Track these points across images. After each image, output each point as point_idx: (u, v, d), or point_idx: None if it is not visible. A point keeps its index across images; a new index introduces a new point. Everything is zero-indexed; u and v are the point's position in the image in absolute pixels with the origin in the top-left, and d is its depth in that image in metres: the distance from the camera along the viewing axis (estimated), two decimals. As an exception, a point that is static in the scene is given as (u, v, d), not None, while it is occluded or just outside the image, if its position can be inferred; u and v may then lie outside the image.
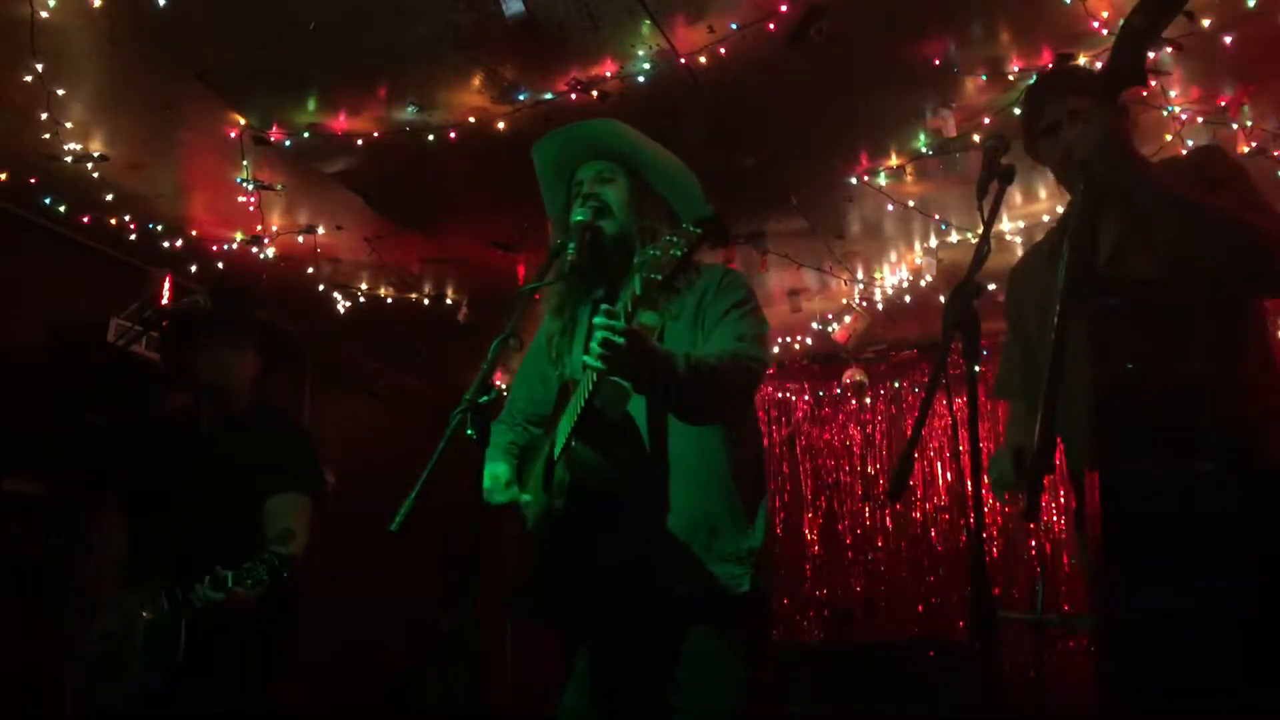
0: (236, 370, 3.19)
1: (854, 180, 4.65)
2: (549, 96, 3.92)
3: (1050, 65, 3.72)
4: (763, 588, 2.10)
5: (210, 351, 3.15)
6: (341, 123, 4.14)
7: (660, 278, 1.78)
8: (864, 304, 5.99)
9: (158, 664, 2.86)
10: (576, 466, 1.95)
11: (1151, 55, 1.97)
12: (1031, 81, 2.42)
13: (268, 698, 3.04)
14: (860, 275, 5.79)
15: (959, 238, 5.17)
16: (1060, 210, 2.48)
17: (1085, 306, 1.95)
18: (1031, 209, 4.87)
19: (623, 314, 1.86)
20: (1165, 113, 4.01)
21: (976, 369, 1.74)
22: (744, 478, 2.16)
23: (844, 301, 6.04)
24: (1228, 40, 3.58)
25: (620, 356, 1.87)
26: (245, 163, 4.37)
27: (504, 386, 2.71)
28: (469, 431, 1.87)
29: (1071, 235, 1.95)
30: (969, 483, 1.63)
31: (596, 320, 1.87)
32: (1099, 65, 3.67)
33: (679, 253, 1.78)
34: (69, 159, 4.24)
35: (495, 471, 2.19)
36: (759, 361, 2.15)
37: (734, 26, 3.56)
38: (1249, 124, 4.03)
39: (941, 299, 5.63)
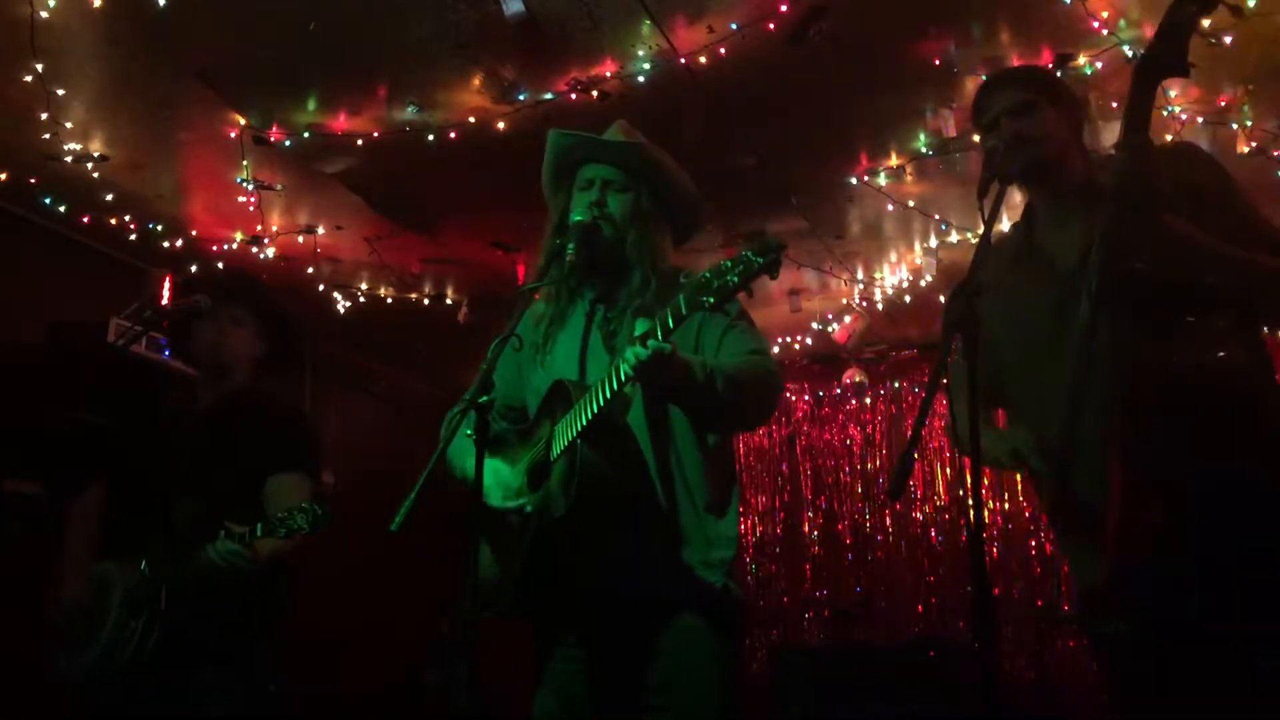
0: (237, 347, 3.15)
1: (854, 180, 4.65)
2: (549, 96, 3.92)
3: (1050, 65, 3.72)
4: (736, 595, 2.14)
5: (213, 326, 3.11)
6: (341, 123, 4.14)
7: (713, 301, 1.75)
8: (864, 304, 5.99)
9: (128, 635, 2.76)
10: (583, 469, 1.95)
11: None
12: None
13: (255, 694, 2.95)
14: (860, 275, 5.79)
15: (959, 238, 5.17)
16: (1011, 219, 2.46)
17: (1120, 305, 1.92)
18: (1031, 209, 4.86)
19: (660, 329, 1.85)
20: (1165, 113, 4.01)
21: (976, 369, 1.73)
22: (719, 489, 2.19)
23: (844, 301, 6.04)
24: (1228, 40, 3.58)
25: (659, 374, 1.89)
26: (245, 163, 4.37)
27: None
28: (468, 431, 1.87)
29: (1103, 233, 1.93)
30: (969, 482, 1.63)
31: (632, 351, 1.86)
32: (1099, 65, 3.68)
33: (735, 280, 1.73)
34: (69, 159, 4.24)
35: (496, 468, 2.19)
36: (778, 376, 2.20)
37: (734, 26, 3.56)
38: (1249, 124, 4.03)
39: (941, 299, 5.63)
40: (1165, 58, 1.89)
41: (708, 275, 1.76)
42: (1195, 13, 1.88)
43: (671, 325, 1.84)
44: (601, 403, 1.93)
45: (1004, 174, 2.02)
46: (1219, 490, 1.82)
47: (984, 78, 3.77)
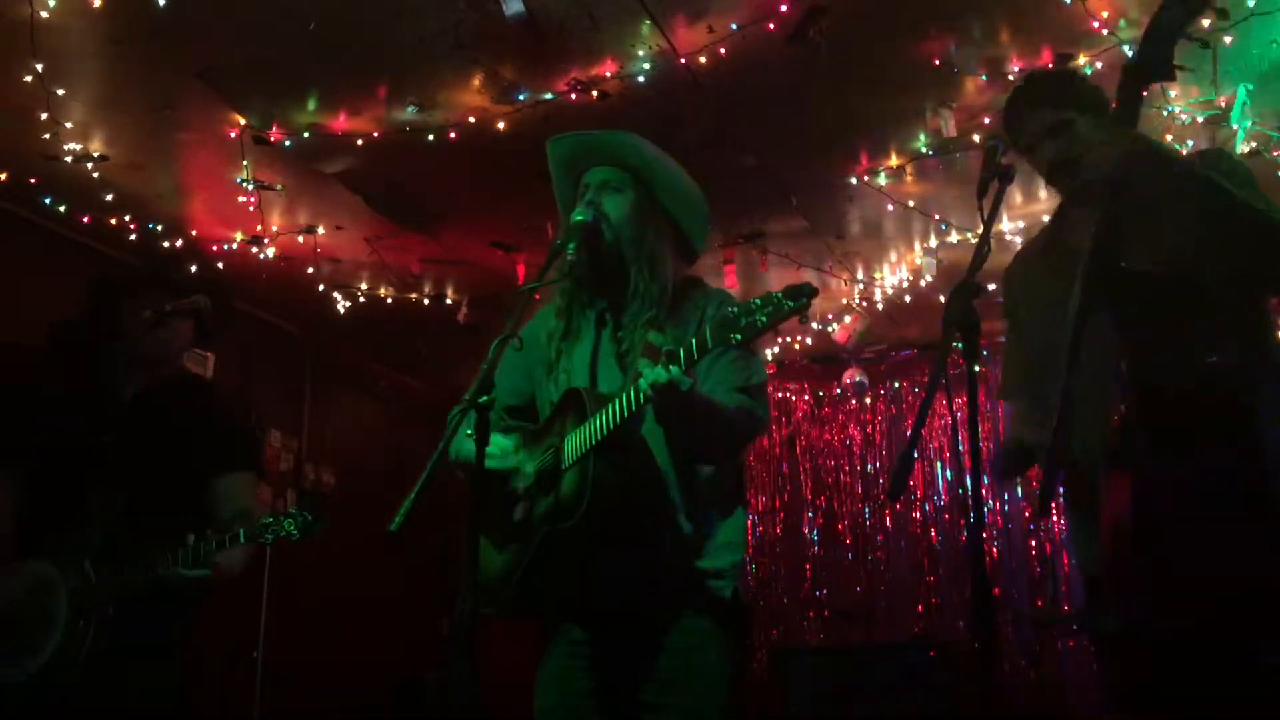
0: (175, 340, 2.96)
1: (854, 180, 4.65)
2: (549, 96, 3.92)
3: (1050, 65, 3.72)
4: (742, 598, 2.16)
5: (148, 319, 2.88)
6: (341, 123, 4.14)
7: (739, 339, 1.77)
8: (864, 304, 5.99)
9: (79, 643, 2.62)
10: (595, 483, 1.96)
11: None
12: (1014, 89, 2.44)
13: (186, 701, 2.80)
14: (860, 275, 5.79)
15: (959, 238, 5.17)
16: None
17: (1110, 303, 1.94)
18: (1031, 209, 4.87)
19: (684, 358, 1.86)
20: (1165, 113, 4.01)
21: (976, 369, 1.74)
22: (729, 496, 2.21)
23: (844, 301, 6.04)
24: (1228, 40, 3.58)
25: (673, 400, 1.90)
26: (245, 163, 4.37)
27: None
28: (468, 431, 1.87)
29: (1094, 232, 1.94)
30: (969, 483, 1.63)
31: (653, 373, 1.87)
32: (1099, 65, 3.68)
33: (763, 320, 1.75)
34: (69, 159, 4.24)
35: (502, 443, 2.18)
36: (765, 423, 2.22)
37: (734, 27, 3.56)
38: (1249, 124, 4.03)
39: (941, 299, 5.63)
40: (1150, 62, 1.90)
41: (735, 311, 1.78)
42: (1180, 17, 1.88)
43: (696, 357, 1.85)
44: (619, 420, 1.94)
45: (1004, 174, 2.03)
46: (1200, 491, 1.83)
47: (983, 77, 3.83)
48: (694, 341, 1.85)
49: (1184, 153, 3.84)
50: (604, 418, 1.97)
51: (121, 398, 2.92)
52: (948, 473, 6.99)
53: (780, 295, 1.74)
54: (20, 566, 2.76)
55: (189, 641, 2.87)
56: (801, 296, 1.73)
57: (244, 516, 2.78)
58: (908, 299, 5.89)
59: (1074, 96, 2.27)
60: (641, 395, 1.89)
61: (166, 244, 5.00)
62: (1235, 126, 4.01)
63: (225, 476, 2.87)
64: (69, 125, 4.07)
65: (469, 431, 1.87)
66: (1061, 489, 2.17)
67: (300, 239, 5.10)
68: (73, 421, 2.88)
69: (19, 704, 2.66)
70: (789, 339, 6.77)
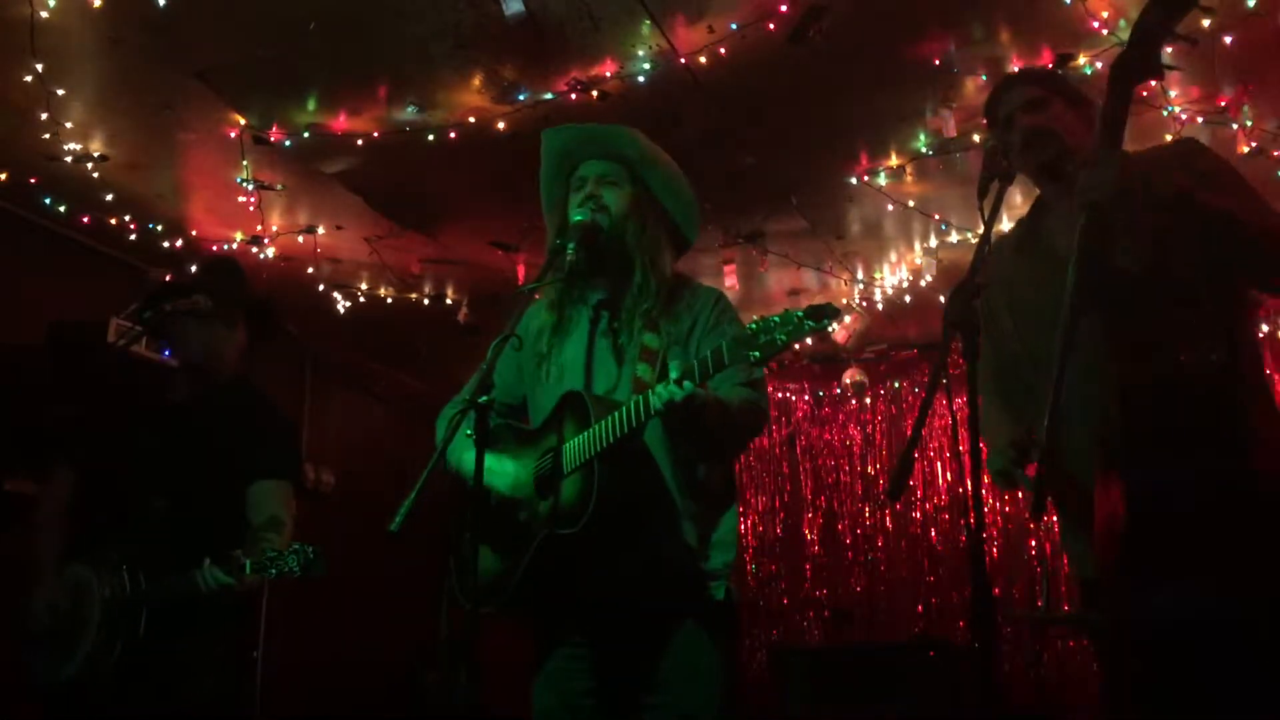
0: (227, 347, 2.98)
1: (854, 180, 4.65)
2: (549, 96, 3.92)
3: (1050, 65, 3.72)
4: (735, 597, 2.16)
5: (201, 326, 2.91)
6: (341, 123, 4.14)
7: (758, 356, 1.76)
8: (864, 304, 5.99)
9: (108, 651, 2.64)
10: (601, 490, 1.96)
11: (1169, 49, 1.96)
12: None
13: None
14: (860, 275, 5.79)
15: (959, 238, 5.17)
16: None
17: (1098, 304, 1.94)
18: (1031, 209, 4.87)
19: (699, 372, 1.86)
20: (1165, 113, 4.01)
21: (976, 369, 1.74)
22: (723, 497, 2.22)
23: (844, 301, 6.04)
24: (1228, 40, 3.58)
25: (686, 415, 1.91)
26: (245, 163, 4.37)
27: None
28: (468, 431, 1.87)
29: (1082, 233, 1.94)
30: (969, 483, 1.63)
31: (667, 390, 1.87)
32: (1099, 65, 3.68)
33: (783, 339, 1.73)
34: (69, 159, 4.24)
35: (503, 466, 2.20)
36: (767, 417, 2.24)
37: (734, 26, 3.56)
38: (1249, 124, 4.03)
39: (941, 299, 5.63)
40: (1136, 62, 1.90)
41: (754, 328, 1.77)
42: (1165, 17, 1.89)
43: (711, 371, 1.85)
44: (625, 430, 1.93)
45: (1005, 174, 2.03)
46: (1189, 490, 1.84)
47: (983, 77, 3.83)
48: (710, 356, 1.84)
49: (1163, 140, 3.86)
50: (609, 426, 1.96)
51: (168, 402, 2.96)
52: (948, 473, 6.99)
53: (801, 314, 1.72)
54: (65, 570, 2.81)
55: (223, 650, 2.84)
56: (823, 318, 1.71)
57: (274, 525, 2.80)
58: (908, 299, 5.89)
59: (1053, 81, 2.31)
60: (652, 410, 1.90)
61: (166, 244, 5.00)
62: (1235, 126, 4.01)
63: (259, 484, 2.87)
64: (69, 125, 4.07)
65: (468, 431, 1.87)
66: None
67: (300, 239, 5.10)
68: (125, 425, 2.93)
69: (56, 706, 2.73)
70: (789, 339, 6.76)
